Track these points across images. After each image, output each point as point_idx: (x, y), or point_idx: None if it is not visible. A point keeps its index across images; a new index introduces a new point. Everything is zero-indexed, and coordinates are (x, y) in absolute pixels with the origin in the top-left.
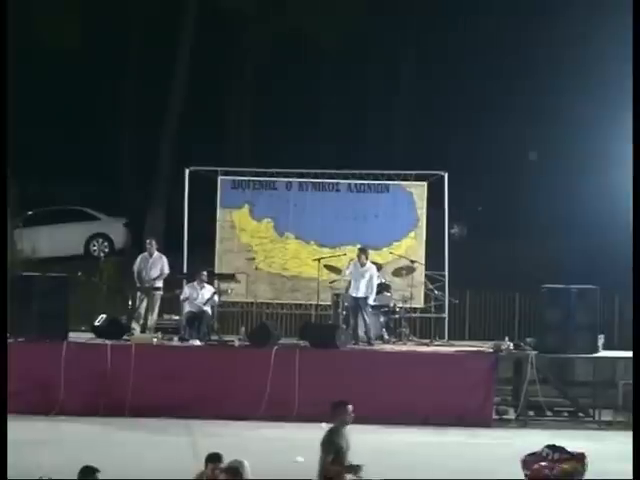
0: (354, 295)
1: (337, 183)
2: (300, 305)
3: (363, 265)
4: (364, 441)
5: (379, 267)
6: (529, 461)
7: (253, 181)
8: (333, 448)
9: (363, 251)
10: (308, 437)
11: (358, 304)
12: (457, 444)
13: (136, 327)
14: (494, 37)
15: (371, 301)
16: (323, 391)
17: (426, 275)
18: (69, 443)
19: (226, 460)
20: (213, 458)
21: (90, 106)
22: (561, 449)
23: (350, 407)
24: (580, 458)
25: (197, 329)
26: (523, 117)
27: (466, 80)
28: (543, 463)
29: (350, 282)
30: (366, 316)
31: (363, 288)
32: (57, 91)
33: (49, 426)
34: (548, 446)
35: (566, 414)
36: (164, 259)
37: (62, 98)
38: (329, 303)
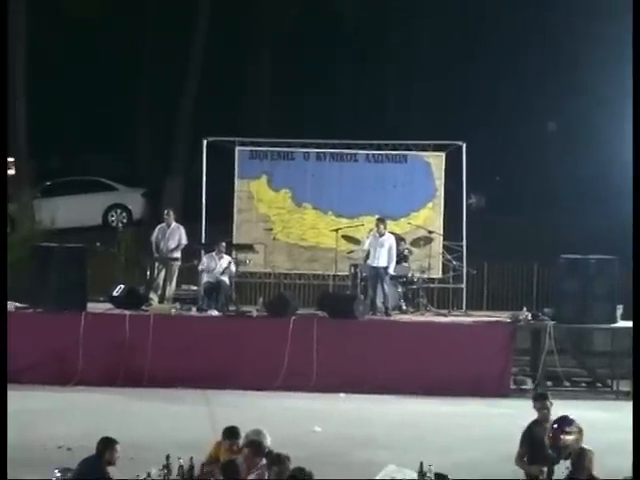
0: (374, 265)
1: (355, 153)
2: (318, 275)
3: (382, 235)
4: (381, 411)
5: (402, 238)
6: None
7: (271, 151)
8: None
9: (381, 221)
10: (326, 407)
11: (378, 274)
12: (475, 414)
13: (154, 297)
14: (515, 6)
15: (391, 271)
16: (341, 361)
17: (444, 245)
18: (87, 413)
19: (245, 430)
20: (230, 434)
21: (108, 76)
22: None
23: None
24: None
25: (215, 299)
26: (542, 87)
27: (485, 50)
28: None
29: (368, 252)
30: (385, 286)
31: (383, 258)
32: (76, 62)
33: (67, 396)
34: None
35: (584, 384)
36: (182, 229)
37: (80, 69)
38: (347, 273)
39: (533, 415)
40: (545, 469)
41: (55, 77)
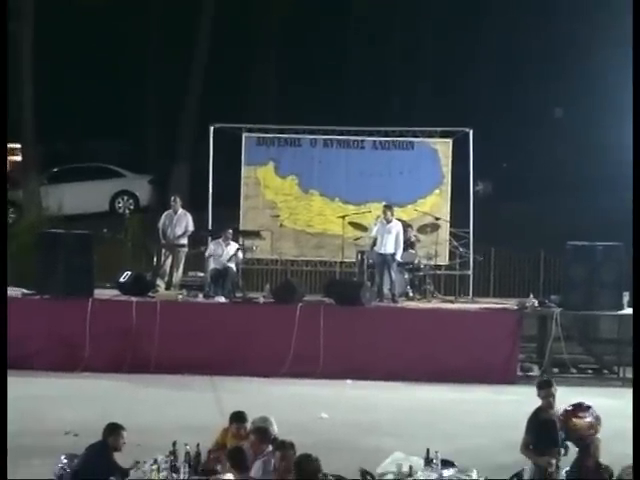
0: (381, 252)
1: (362, 140)
2: (325, 262)
3: (389, 222)
4: (387, 398)
5: (408, 225)
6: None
7: (278, 138)
8: None
9: (388, 207)
10: (332, 394)
11: (385, 261)
12: (482, 401)
13: (161, 284)
14: None
15: (398, 257)
16: (348, 348)
17: (451, 232)
18: (94, 399)
19: (252, 417)
20: (238, 418)
21: (115, 63)
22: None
23: None
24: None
25: (222, 286)
26: (549, 73)
27: (492, 36)
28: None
29: (375, 239)
30: (392, 273)
31: (390, 245)
32: (83, 47)
33: (74, 382)
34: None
35: (590, 371)
36: (189, 216)
37: (87, 55)
38: (354, 260)
39: (539, 401)
40: (554, 461)
41: (62, 62)
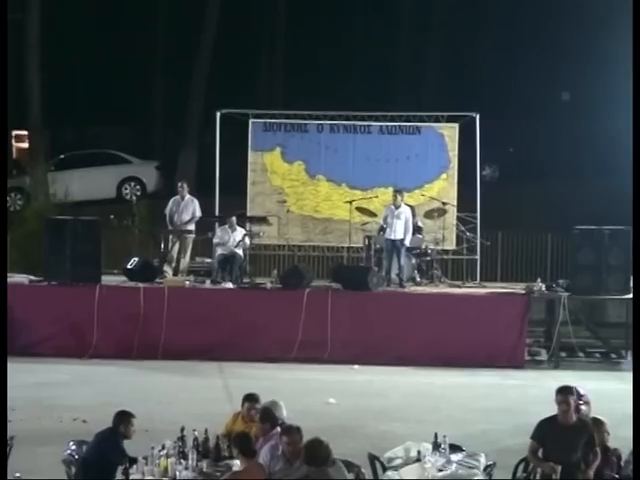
0: (391, 237)
1: (369, 125)
2: (332, 247)
3: (398, 207)
4: (395, 383)
5: (412, 209)
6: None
7: (284, 124)
8: None
9: (398, 192)
10: (340, 379)
11: (394, 246)
12: (489, 385)
13: (168, 270)
14: None
15: (407, 243)
16: (355, 333)
17: (458, 217)
18: (102, 385)
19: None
20: (250, 398)
21: (122, 49)
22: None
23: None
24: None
25: (229, 272)
26: (556, 56)
27: (499, 20)
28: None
29: (383, 224)
30: (401, 258)
31: (399, 230)
32: (90, 32)
33: (82, 369)
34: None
35: (598, 355)
36: (196, 202)
37: (94, 41)
38: (361, 245)
39: (547, 385)
40: (559, 468)
41: (69, 48)
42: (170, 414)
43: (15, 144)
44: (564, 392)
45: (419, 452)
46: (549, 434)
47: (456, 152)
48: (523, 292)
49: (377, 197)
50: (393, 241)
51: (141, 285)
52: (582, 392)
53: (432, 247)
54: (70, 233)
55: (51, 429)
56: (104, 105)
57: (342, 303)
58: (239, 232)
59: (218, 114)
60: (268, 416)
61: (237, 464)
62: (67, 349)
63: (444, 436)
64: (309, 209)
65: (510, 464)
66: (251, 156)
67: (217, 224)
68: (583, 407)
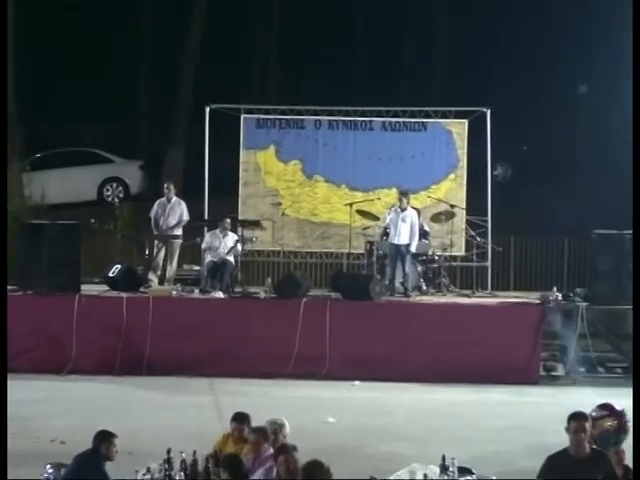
0: (395, 242)
1: (370, 121)
2: (331, 254)
3: (404, 210)
4: (399, 400)
5: (418, 212)
6: None
7: (279, 120)
8: None
9: (404, 194)
10: (340, 396)
11: (399, 252)
12: (501, 403)
13: (154, 278)
14: None
15: (413, 248)
16: (356, 346)
17: (467, 220)
18: (82, 404)
19: (255, 420)
20: (239, 418)
21: (104, 40)
22: (604, 406)
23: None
24: (619, 415)
25: (219, 280)
26: (572, 46)
27: (510, 8)
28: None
29: (385, 229)
30: (406, 265)
31: (405, 234)
32: (69, 24)
33: (60, 386)
34: (598, 405)
35: (619, 370)
36: (183, 205)
37: (74, 31)
38: (362, 251)
39: (564, 403)
40: None
41: (45, 36)
42: (156, 434)
43: None
44: (579, 418)
45: (425, 475)
46: (559, 472)
47: (465, 150)
48: (538, 302)
49: (380, 199)
50: (397, 246)
51: (124, 295)
52: (619, 408)
53: (439, 253)
54: (47, 238)
55: (27, 450)
56: (84, 99)
57: (342, 314)
58: (230, 237)
59: (207, 109)
60: (258, 431)
61: None
62: (44, 364)
63: (452, 458)
64: (306, 212)
65: None
66: (243, 155)
67: (206, 228)
68: (606, 423)
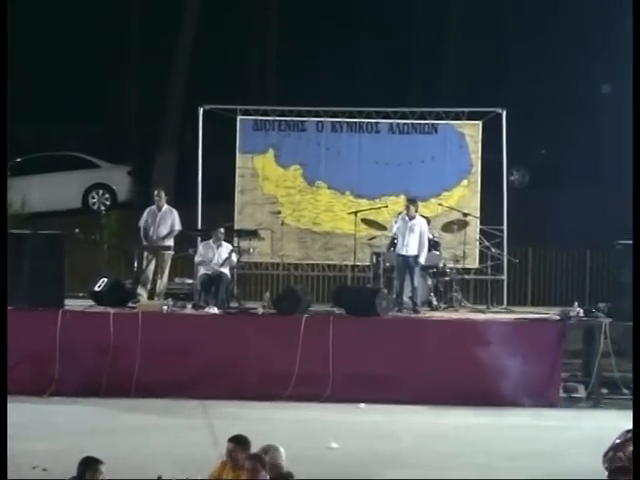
0: (402, 253)
1: (377, 123)
2: (334, 266)
3: (412, 218)
4: (409, 424)
5: (428, 221)
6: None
7: (278, 121)
8: None
9: (412, 202)
10: (344, 420)
11: (407, 264)
12: (518, 427)
13: (143, 293)
14: None
15: (422, 260)
16: (361, 366)
17: (481, 230)
18: (66, 428)
19: (253, 447)
20: (236, 440)
21: (90, 37)
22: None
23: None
24: None
25: (214, 295)
26: (593, 42)
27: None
28: (618, 453)
29: (393, 239)
30: (415, 278)
31: (413, 245)
32: (53, 16)
33: (42, 408)
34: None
35: None
36: (175, 213)
37: (58, 24)
38: (368, 263)
39: (586, 427)
40: None
41: (27, 32)
42: (145, 460)
43: None
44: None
45: None
46: None
47: (479, 154)
48: (557, 318)
49: (387, 207)
50: (405, 258)
51: (111, 310)
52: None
53: (451, 265)
54: (28, 249)
55: (7, 477)
56: (68, 99)
57: (346, 331)
58: (225, 248)
59: (201, 110)
60: (254, 459)
61: None
62: (25, 385)
63: None
64: (307, 221)
65: None
66: (239, 159)
67: (200, 239)
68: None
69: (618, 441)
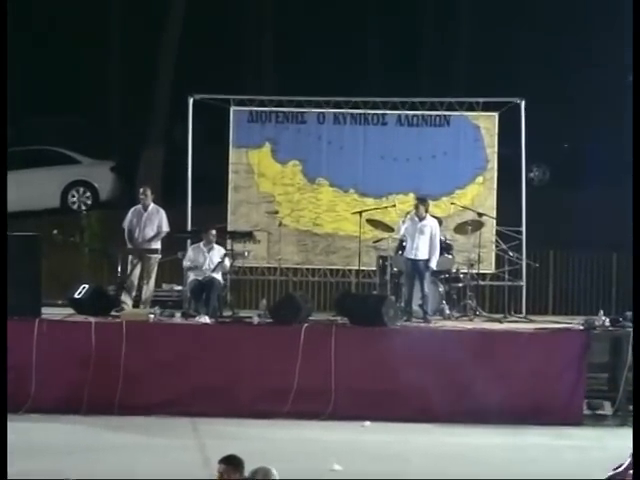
0: (411, 257)
1: (383, 115)
2: (337, 271)
3: (422, 219)
4: (418, 444)
5: (440, 221)
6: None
7: (275, 113)
8: None
9: (422, 201)
10: (347, 439)
11: (417, 269)
12: (538, 447)
13: (127, 300)
14: None
15: (433, 265)
16: (366, 381)
17: (497, 232)
18: (43, 447)
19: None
20: (227, 461)
21: (70, 23)
22: None
23: None
24: None
25: (205, 302)
26: (618, 28)
27: None
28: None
29: (402, 241)
30: (425, 284)
31: (423, 248)
32: (33, 9)
33: (18, 427)
34: None
35: None
36: (162, 213)
37: (36, 10)
38: (373, 268)
39: (611, 446)
40: None
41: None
42: None
43: None
44: None
45: None
46: None
47: (495, 149)
48: (581, 328)
49: (394, 207)
50: (415, 262)
51: (92, 319)
52: None
53: (465, 270)
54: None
55: None
56: (47, 90)
57: (349, 342)
58: (217, 251)
59: (191, 100)
60: None
61: None
62: None
63: None
64: (307, 222)
65: None
66: (233, 154)
67: (189, 241)
68: None
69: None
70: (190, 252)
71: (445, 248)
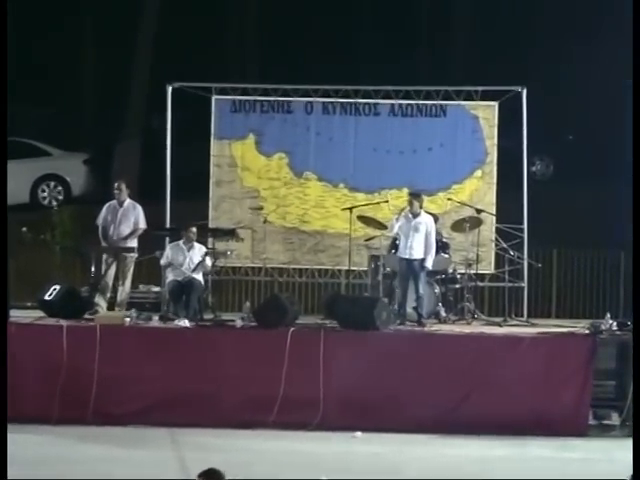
0: (405, 257)
1: (375, 104)
2: (325, 271)
3: (416, 216)
4: (412, 456)
5: (436, 218)
6: None
7: (260, 102)
8: None
9: (416, 197)
10: (337, 451)
11: (411, 269)
12: (542, 459)
13: (101, 302)
14: None
15: (429, 265)
16: (357, 389)
17: (497, 229)
18: (10, 460)
19: None
20: (209, 475)
21: (40, 8)
22: None
23: None
24: None
25: (185, 305)
26: (626, 12)
27: None
28: None
29: (395, 240)
30: (420, 286)
31: (418, 247)
32: None
33: None
34: None
35: None
36: (139, 209)
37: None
38: (365, 268)
39: (618, 459)
40: None
41: None
42: None
43: None
44: None
45: None
46: None
47: (495, 141)
48: (587, 332)
49: (387, 202)
50: (409, 262)
51: (64, 323)
52: None
53: (462, 271)
54: None
55: None
56: (15, 77)
57: (339, 347)
58: (197, 250)
59: (169, 89)
60: None
61: None
62: None
63: None
64: (294, 219)
65: None
66: (215, 147)
67: (168, 239)
68: None
69: None
70: (169, 251)
71: (441, 247)
